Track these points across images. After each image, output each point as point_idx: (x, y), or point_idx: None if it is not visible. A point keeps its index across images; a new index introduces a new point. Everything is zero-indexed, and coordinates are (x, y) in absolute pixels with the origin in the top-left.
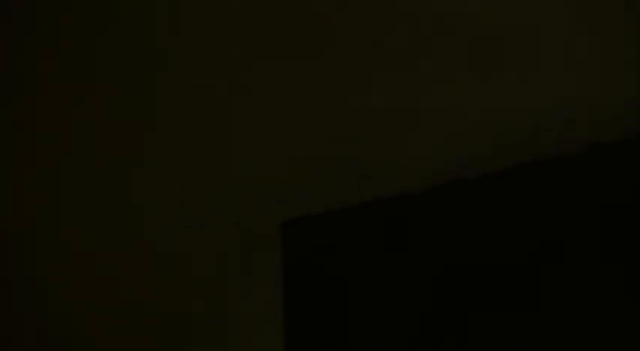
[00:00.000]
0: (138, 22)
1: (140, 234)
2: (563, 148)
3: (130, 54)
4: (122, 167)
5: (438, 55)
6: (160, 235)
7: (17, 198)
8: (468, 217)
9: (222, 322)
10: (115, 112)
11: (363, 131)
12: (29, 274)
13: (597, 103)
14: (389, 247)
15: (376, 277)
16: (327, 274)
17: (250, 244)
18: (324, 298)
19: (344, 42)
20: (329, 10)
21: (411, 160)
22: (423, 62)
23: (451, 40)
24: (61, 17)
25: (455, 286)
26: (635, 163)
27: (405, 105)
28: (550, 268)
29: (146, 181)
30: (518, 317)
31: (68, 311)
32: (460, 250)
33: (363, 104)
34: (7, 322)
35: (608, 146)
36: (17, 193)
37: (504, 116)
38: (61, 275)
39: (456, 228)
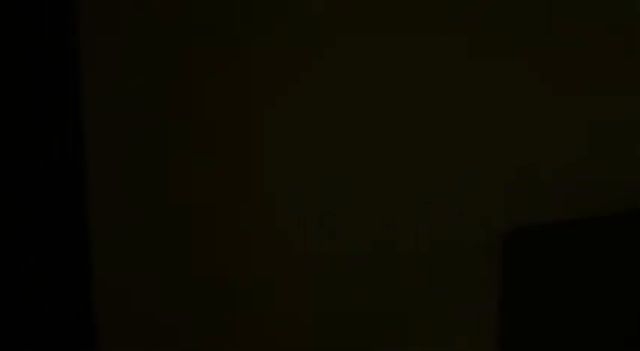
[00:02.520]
0: None
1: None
2: None
3: None
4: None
5: None
6: (383, 235)
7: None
8: None
9: (436, 325)
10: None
11: (595, 143)
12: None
13: None
14: (606, 261)
15: (596, 290)
16: (548, 284)
17: (472, 252)
18: (543, 307)
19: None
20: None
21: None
22: None
23: None
24: None
25: None
26: None
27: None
28: None
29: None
30: None
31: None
32: None
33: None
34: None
35: None
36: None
37: None
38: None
39: None
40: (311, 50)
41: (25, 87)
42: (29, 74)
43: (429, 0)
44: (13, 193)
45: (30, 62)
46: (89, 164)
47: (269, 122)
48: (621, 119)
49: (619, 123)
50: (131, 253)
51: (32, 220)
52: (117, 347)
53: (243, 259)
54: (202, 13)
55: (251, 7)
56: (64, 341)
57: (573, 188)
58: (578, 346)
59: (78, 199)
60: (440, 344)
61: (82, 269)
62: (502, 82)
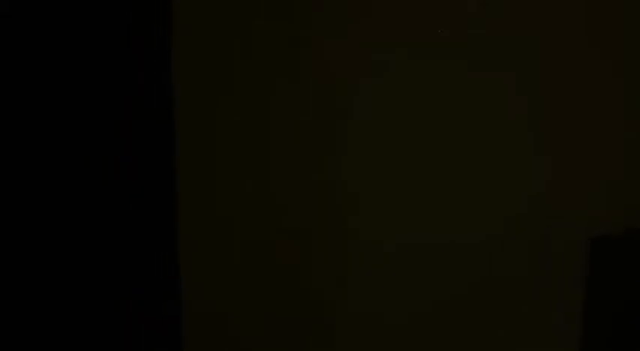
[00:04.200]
0: None
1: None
2: None
3: None
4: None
5: None
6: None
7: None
8: None
9: (520, 326)
10: None
11: None
12: None
13: None
14: None
15: None
16: (631, 292)
17: (558, 256)
18: (626, 314)
19: None
20: None
21: None
22: None
23: None
24: None
25: None
26: None
27: None
28: None
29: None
30: None
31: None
32: None
33: None
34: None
35: None
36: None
37: None
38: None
39: None
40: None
41: (120, 89)
42: (124, 76)
43: None
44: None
45: (125, 64)
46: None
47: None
48: None
49: None
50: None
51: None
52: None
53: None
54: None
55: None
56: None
57: None
58: None
59: (167, 202)
60: (523, 346)
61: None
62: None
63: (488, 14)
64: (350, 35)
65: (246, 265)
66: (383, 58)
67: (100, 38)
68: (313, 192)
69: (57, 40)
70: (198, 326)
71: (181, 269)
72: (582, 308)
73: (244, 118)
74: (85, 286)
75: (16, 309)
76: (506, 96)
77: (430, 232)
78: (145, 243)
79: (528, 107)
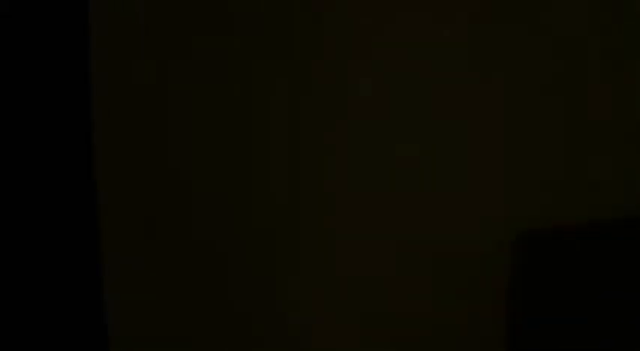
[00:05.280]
0: None
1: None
2: None
3: None
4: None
5: None
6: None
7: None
8: None
9: (445, 327)
10: None
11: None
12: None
13: None
14: (614, 264)
15: (605, 291)
16: (557, 288)
17: (483, 253)
18: (551, 308)
19: None
20: None
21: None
22: None
23: None
24: None
25: None
26: None
27: None
28: None
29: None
30: None
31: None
32: None
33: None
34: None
35: None
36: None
37: None
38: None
39: None
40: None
41: (35, 88)
42: (40, 76)
43: None
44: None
45: (41, 64)
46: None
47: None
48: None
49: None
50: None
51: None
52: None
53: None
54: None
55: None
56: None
57: (580, 191)
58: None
59: (88, 200)
60: (449, 345)
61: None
62: (504, 88)
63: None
64: (319, 30)
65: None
66: (361, 55)
67: (16, 36)
68: (254, 192)
69: None
70: (125, 330)
71: (104, 271)
72: (506, 305)
73: (179, 113)
74: (2, 287)
75: None
76: (430, 95)
77: (353, 234)
78: (66, 244)
79: (451, 103)
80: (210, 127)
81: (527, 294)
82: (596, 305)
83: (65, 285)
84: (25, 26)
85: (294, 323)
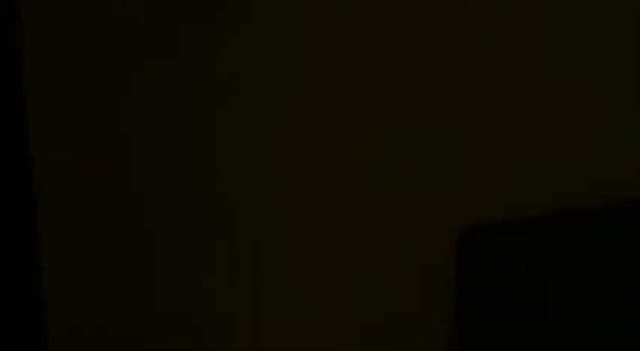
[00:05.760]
0: None
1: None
2: None
3: None
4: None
5: None
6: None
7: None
8: None
9: (390, 322)
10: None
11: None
12: None
13: None
14: (562, 258)
15: (549, 285)
16: (503, 282)
17: (427, 250)
18: (497, 304)
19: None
20: None
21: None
22: None
23: None
24: None
25: None
26: None
27: None
28: None
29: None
30: None
31: None
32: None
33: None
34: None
35: None
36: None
37: None
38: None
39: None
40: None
41: None
42: None
43: None
44: None
45: None
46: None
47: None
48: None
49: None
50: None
51: None
52: None
53: None
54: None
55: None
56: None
57: (525, 186)
58: (531, 344)
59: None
60: (394, 341)
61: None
62: (455, 84)
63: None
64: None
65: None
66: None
67: None
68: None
69: None
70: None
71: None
72: (454, 300)
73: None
74: None
75: None
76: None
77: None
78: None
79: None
80: (148, 125)
81: (472, 288)
82: (540, 297)
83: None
84: None
85: (218, 321)
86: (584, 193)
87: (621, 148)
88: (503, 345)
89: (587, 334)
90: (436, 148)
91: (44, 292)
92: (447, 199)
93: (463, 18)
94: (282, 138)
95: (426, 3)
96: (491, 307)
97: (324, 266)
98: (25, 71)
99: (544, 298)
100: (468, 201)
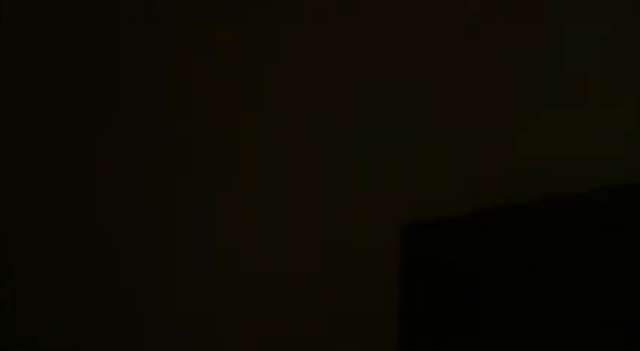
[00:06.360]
0: None
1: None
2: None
3: None
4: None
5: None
6: (282, 233)
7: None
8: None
9: (336, 321)
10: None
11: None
12: None
13: None
14: (506, 253)
15: (493, 282)
16: (446, 278)
17: (369, 246)
18: (441, 300)
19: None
20: None
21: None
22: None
23: None
24: None
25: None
26: None
27: None
28: None
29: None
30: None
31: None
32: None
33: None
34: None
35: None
36: None
37: None
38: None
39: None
40: None
41: None
42: None
43: None
44: None
45: None
46: None
47: None
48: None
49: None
50: None
51: None
52: None
53: None
54: None
55: None
56: None
57: (466, 182)
58: (474, 340)
59: None
60: (336, 338)
61: None
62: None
63: None
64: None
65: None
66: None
67: None
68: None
69: None
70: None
71: None
72: (397, 296)
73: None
74: None
75: None
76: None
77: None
78: None
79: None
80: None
81: (414, 285)
82: (482, 293)
83: None
84: None
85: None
86: (525, 188)
87: (557, 144)
88: (446, 341)
89: (528, 329)
90: (377, 146)
91: None
92: (388, 197)
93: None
94: (225, 134)
95: None
96: (433, 302)
97: (265, 265)
98: None
99: (487, 293)
100: (409, 198)
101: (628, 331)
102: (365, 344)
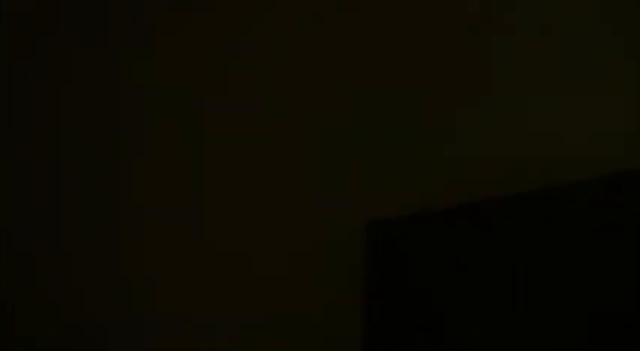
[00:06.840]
0: None
1: (218, 232)
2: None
3: None
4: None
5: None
6: (242, 232)
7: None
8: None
9: (302, 320)
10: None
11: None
12: None
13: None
14: (469, 250)
15: (456, 279)
16: (409, 276)
17: (334, 244)
18: (405, 298)
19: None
20: None
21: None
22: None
23: None
24: None
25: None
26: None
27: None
28: None
29: (222, 179)
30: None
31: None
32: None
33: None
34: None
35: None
36: None
37: None
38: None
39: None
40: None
41: None
42: None
43: None
44: None
45: None
46: None
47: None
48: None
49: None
50: None
51: None
52: None
53: None
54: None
55: None
56: None
57: (431, 179)
58: (441, 340)
59: None
60: (302, 338)
61: None
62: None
63: None
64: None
65: None
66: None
67: None
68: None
69: None
70: None
71: None
72: (362, 297)
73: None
74: None
75: None
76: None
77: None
78: None
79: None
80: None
81: (380, 283)
82: (444, 288)
83: None
84: None
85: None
86: (489, 184)
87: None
88: (413, 341)
89: (498, 329)
90: (341, 146)
91: None
92: (353, 196)
93: None
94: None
95: None
96: (399, 301)
97: (228, 264)
98: None
99: (448, 288)
100: (373, 196)
101: (612, 327)
102: (330, 338)
